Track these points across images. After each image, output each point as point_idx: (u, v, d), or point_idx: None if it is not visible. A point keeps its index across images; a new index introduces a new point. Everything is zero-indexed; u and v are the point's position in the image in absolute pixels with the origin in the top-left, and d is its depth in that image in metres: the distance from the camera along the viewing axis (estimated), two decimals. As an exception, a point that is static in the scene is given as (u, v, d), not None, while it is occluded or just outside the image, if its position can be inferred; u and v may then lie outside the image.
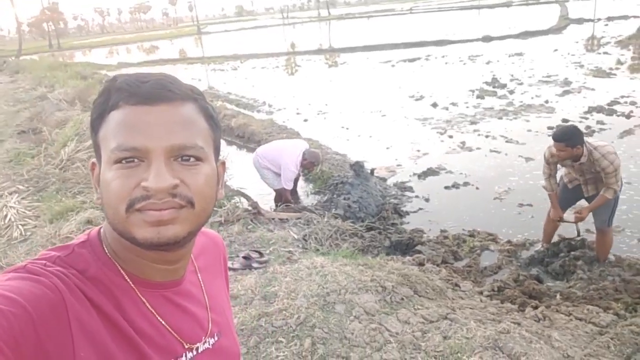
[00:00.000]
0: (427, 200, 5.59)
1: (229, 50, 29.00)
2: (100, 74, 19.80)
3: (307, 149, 5.28)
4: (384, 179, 6.30)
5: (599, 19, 24.87)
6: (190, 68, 22.51)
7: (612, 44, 16.26)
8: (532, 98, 9.78)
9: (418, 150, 7.42)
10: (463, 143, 7.45)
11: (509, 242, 4.48)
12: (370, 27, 41.42)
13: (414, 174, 6.40)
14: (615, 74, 11.28)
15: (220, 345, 0.78)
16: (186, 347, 0.71)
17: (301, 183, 6.41)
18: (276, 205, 5.44)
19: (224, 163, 0.75)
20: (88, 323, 0.60)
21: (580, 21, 25.23)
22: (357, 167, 5.44)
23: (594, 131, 7.29)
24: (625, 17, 24.16)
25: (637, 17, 23.63)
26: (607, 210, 3.80)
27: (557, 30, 22.70)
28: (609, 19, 24.55)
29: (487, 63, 14.96)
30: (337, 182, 5.33)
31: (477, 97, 10.43)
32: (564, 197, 4.05)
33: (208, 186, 0.66)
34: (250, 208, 4.49)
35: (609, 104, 8.61)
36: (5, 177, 6.36)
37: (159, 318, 0.69)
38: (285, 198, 5.26)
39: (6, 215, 5.12)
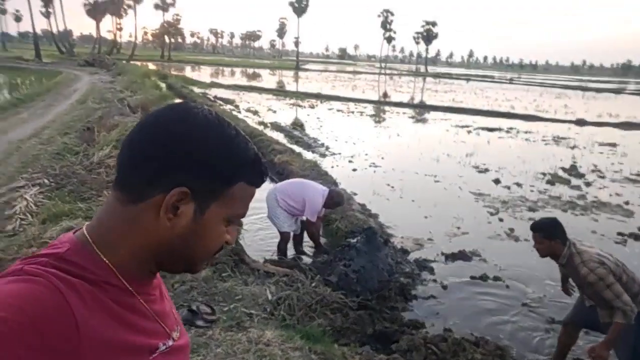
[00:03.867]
0: (444, 287, 4.87)
1: (315, 88, 29.64)
2: (187, 89, 20.89)
3: (333, 188, 5.36)
4: (407, 252, 5.65)
5: None
6: (272, 99, 23.13)
7: None
8: (610, 195, 8.64)
9: (458, 228, 6.68)
10: (512, 230, 6.60)
11: (520, 364, 3.67)
12: (464, 90, 40.72)
13: (442, 254, 5.68)
14: None
15: (182, 334, 0.81)
16: (170, 334, 0.76)
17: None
18: (278, 253, 5.05)
19: None
20: (93, 319, 0.61)
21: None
22: (370, 233, 4.89)
23: (672, 250, 6.14)
24: None
25: None
26: (623, 347, 3.02)
27: (665, 125, 20.64)
28: None
29: (572, 147, 13.74)
30: (344, 245, 4.80)
31: (547, 182, 9.44)
32: (581, 312, 3.39)
33: None
34: (232, 254, 4.09)
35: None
36: (41, 168, 6.55)
37: (150, 311, 0.73)
38: (311, 231, 5.26)
39: (14, 207, 5.16)
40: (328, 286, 4.17)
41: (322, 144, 12.14)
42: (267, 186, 5.28)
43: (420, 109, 23.02)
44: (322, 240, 5.60)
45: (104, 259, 0.68)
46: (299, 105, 21.06)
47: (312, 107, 20.91)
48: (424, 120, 19.36)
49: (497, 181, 9.34)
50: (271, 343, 2.88)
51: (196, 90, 21.72)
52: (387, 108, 22.74)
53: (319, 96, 25.51)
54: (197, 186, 0.68)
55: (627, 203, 8.18)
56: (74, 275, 0.63)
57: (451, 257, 5.62)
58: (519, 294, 4.83)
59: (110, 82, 21.34)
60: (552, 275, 5.22)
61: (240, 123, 12.76)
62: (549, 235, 3.13)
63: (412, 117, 19.90)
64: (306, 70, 68.95)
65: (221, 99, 20.15)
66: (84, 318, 0.60)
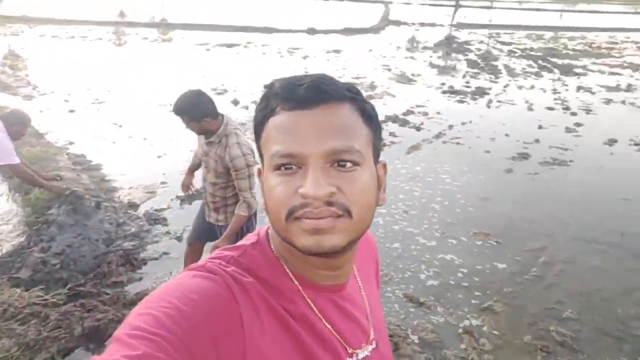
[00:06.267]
0: (179, 239, 4.39)
1: (22, 10, 23.89)
2: None
3: (6, 112, 4.02)
4: (136, 206, 4.92)
5: (413, 23, 26.66)
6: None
7: (419, 49, 17.17)
8: (335, 102, 9.31)
9: (195, 163, 6.17)
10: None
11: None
12: (209, 5, 38.80)
13: (177, 197, 5.15)
14: (415, 81, 11.56)
15: (378, 353, 0.76)
16: (349, 351, 0.70)
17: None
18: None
19: (384, 165, 0.73)
20: (259, 323, 0.60)
21: (397, 23, 26.73)
22: (74, 198, 3.95)
23: (384, 145, 6.94)
24: (433, 25, 26.28)
25: (444, 26, 25.94)
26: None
27: (377, 29, 23.60)
28: (422, 24, 26.45)
29: (304, 58, 14.43)
30: (41, 222, 3.78)
31: (283, 96, 9.62)
32: (205, 228, 3.23)
33: (366, 193, 0.64)
34: None
35: (404, 114, 8.52)
36: None
37: (324, 321, 0.68)
38: (24, 176, 3.85)
39: None
40: (18, 287, 3.21)
41: (29, 83, 9.80)
42: None
43: (163, 28, 20.85)
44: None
45: (276, 256, 0.67)
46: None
47: (15, 34, 16.80)
48: (167, 41, 17.62)
49: (235, 102, 9.07)
50: None
51: None
52: (120, 29, 19.89)
53: (26, 19, 20.66)
54: (260, 157, 0.68)
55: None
56: (252, 275, 0.63)
57: (187, 198, 5.12)
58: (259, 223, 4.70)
59: None
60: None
61: None
62: (195, 118, 2.66)
63: (149, 38, 17.90)
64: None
65: None
66: (250, 323, 0.59)
